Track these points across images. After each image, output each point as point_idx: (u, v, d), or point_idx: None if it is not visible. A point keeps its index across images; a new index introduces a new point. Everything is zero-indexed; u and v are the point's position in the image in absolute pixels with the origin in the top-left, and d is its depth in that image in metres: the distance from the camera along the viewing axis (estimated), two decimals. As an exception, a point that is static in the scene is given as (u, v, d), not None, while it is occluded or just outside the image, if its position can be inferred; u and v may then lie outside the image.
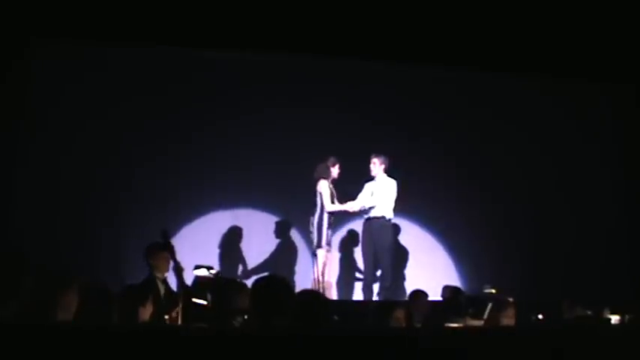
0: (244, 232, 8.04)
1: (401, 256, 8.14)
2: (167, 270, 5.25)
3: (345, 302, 7.61)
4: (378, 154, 7.61)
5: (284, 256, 8.01)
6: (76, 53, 7.77)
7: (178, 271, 5.00)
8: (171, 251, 5.08)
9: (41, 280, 3.35)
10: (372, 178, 7.66)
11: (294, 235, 8.07)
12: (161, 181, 7.80)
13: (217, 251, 7.94)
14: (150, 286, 5.12)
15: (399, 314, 5.07)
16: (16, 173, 7.40)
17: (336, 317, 4.72)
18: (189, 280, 5.50)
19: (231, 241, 8.01)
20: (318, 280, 7.20)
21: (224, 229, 8.01)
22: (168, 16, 7.36)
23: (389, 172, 7.66)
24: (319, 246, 7.24)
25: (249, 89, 8.12)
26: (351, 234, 8.12)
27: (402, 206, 7.94)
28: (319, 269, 7.24)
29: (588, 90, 8.94)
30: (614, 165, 8.90)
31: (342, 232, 8.10)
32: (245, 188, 7.98)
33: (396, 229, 7.93)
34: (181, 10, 7.35)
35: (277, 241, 8.08)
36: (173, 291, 5.19)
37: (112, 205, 7.63)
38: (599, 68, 8.38)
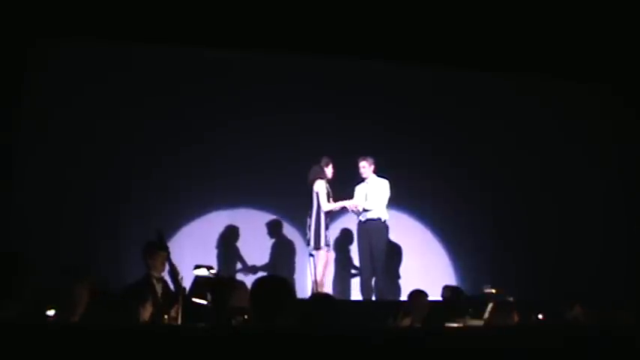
0: (244, 232, 8.03)
1: (399, 256, 8.14)
2: (164, 270, 5.24)
3: (346, 302, 7.61)
4: (365, 157, 7.58)
5: (284, 256, 8.01)
6: (76, 53, 7.78)
7: (174, 273, 4.99)
8: (166, 253, 5.07)
9: (52, 276, 3.37)
10: (362, 180, 7.64)
11: (294, 234, 8.06)
12: (161, 181, 7.79)
13: (217, 251, 7.94)
14: (147, 285, 5.12)
15: (407, 322, 5.19)
16: (17, 173, 7.40)
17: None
18: (189, 280, 5.50)
19: (231, 240, 8.00)
20: (317, 281, 7.19)
21: (223, 229, 8.00)
22: (163, 16, 7.39)
23: (383, 170, 7.65)
24: (318, 247, 7.22)
25: (249, 90, 8.12)
26: (347, 234, 8.11)
27: (401, 206, 7.95)
28: (319, 270, 7.24)
29: (583, 90, 8.95)
30: (613, 165, 8.91)
31: (338, 233, 8.10)
32: (244, 188, 7.97)
33: (394, 229, 7.91)
34: (175, 10, 7.37)
35: (277, 240, 8.08)
36: (170, 290, 5.18)
37: (112, 206, 7.62)
38: (591, 69, 8.44)
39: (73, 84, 7.70)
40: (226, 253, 7.94)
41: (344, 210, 7.59)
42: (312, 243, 7.23)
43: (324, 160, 7.44)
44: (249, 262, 7.93)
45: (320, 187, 7.32)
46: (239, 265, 7.94)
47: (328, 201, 7.31)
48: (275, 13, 7.54)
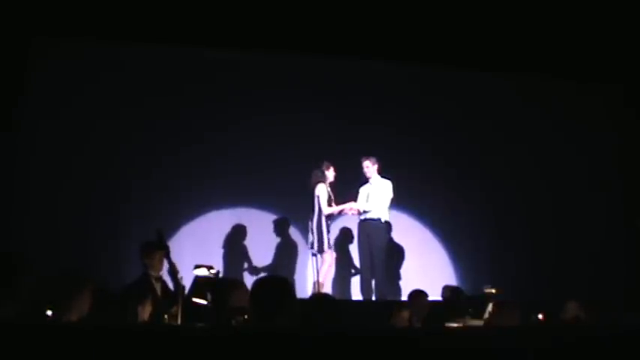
0: (244, 232, 8.03)
1: (399, 256, 8.14)
2: (161, 269, 5.24)
3: (346, 302, 7.61)
4: (368, 157, 7.61)
5: (284, 256, 8.02)
6: (77, 53, 7.78)
7: (173, 272, 4.99)
8: (166, 252, 5.07)
9: (53, 280, 3.36)
10: (366, 181, 7.66)
11: (295, 234, 8.07)
12: (161, 181, 7.79)
13: (218, 251, 7.93)
14: (145, 284, 5.11)
15: (405, 314, 5.21)
16: (17, 173, 7.40)
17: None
18: (189, 279, 5.50)
19: (232, 240, 8.00)
20: (319, 281, 7.21)
21: (224, 228, 8.01)
22: (163, 16, 7.38)
23: (382, 170, 7.65)
24: (322, 250, 7.26)
25: (249, 90, 8.12)
26: (347, 235, 8.12)
27: (401, 206, 7.95)
28: (322, 271, 7.27)
29: (583, 90, 8.96)
30: (613, 165, 8.91)
31: (338, 233, 8.09)
32: (245, 188, 7.98)
33: (393, 229, 7.92)
34: (176, 10, 7.37)
35: (277, 240, 8.08)
36: (169, 289, 5.19)
37: (112, 205, 7.62)
38: (591, 69, 8.44)
39: (73, 84, 7.70)
40: (227, 253, 7.94)
41: (345, 212, 7.60)
42: (315, 246, 7.27)
43: (324, 164, 7.46)
44: (250, 262, 7.93)
45: (321, 191, 7.35)
46: (239, 265, 7.93)
47: (329, 204, 7.35)
48: (275, 13, 7.54)
